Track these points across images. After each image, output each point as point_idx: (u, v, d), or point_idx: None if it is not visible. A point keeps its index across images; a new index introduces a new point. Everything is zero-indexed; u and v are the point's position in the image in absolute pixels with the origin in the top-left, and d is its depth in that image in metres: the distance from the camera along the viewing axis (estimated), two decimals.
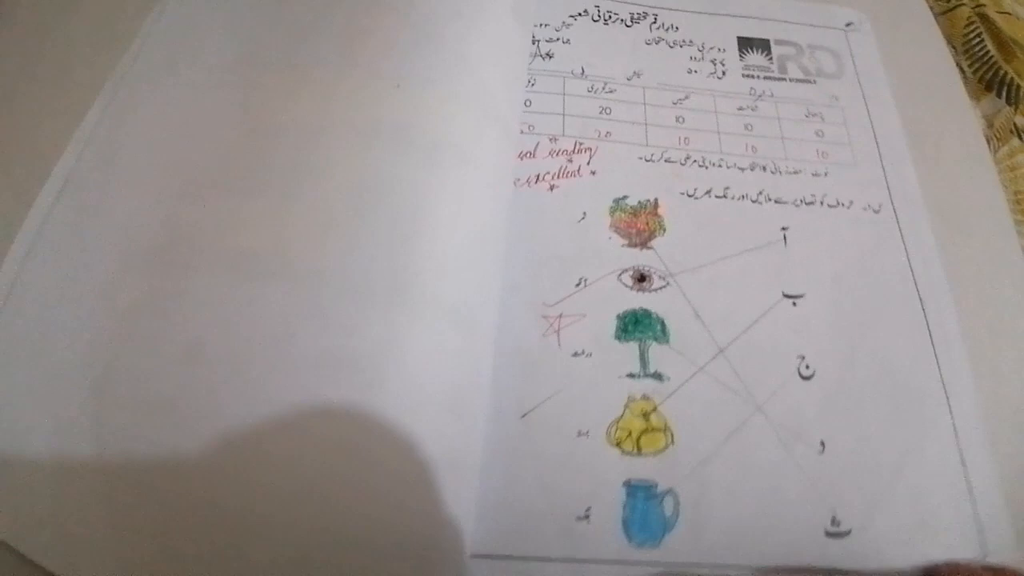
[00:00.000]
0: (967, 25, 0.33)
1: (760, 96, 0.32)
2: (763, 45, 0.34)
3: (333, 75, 0.25)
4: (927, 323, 0.27)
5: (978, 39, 0.32)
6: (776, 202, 0.29)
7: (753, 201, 0.29)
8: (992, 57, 0.32)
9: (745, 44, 0.34)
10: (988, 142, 0.30)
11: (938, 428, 0.25)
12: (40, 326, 0.21)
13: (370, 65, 0.25)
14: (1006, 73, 0.31)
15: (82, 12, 0.30)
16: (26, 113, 0.27)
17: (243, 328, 0.20)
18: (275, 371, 0.20)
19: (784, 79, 0.33)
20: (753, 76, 0.33)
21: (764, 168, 0.30)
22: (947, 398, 0.25)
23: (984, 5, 0.33)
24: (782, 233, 0.28)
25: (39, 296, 0.22)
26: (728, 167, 0.30)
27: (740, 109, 0.31)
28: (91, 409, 0.20)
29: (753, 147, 0.31)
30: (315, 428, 0.19)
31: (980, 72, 0.32)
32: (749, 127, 0.31)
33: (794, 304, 0.27)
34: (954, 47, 0.32)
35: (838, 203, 0.30)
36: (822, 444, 0.24)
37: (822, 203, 0.29)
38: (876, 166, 0.31)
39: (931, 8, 0.33)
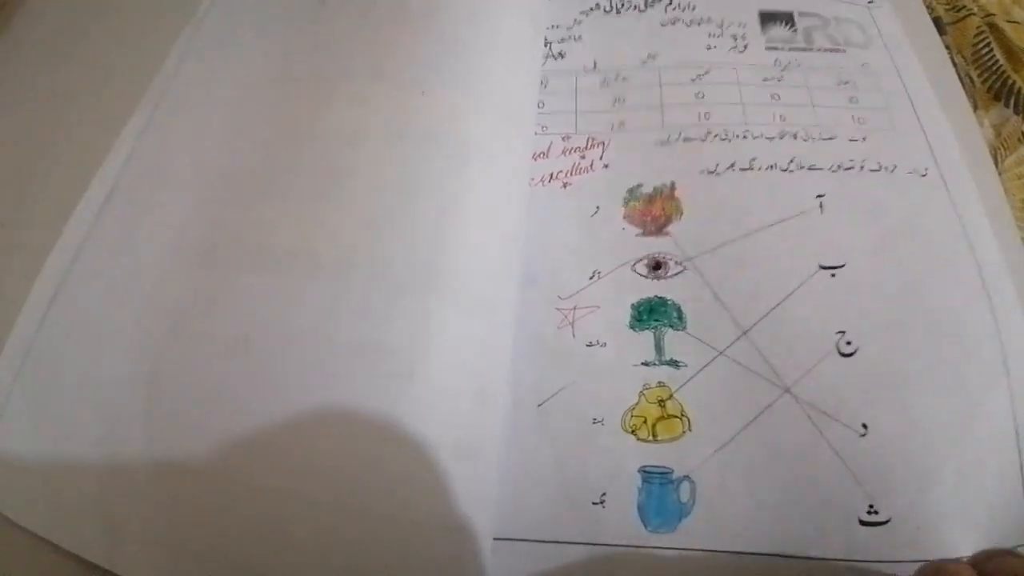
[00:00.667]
0: (976, 35, 0.32)
1: (786, 67, 0.30)
2: (787, 18, 0.32)
3: (362, 84, 0.27)
4: (985, 286, 0.25)
5: (987, 49, 0.31)
6: (810, 169, 0.28)
7: (783, 170, 0.28)
8: (1001, 66, 0.31)
9: (768, 18, 0.32)
10: (995, 151, 0.29)
11: (993, 400, 0.23)
12: (90, 325, 0.23)
13: (396, 74, 0.27)
14: (1014, 82, 0.30)
15: (114, 26, 0.31)
16: (61, 125, 0.28)
17: (286, 322, 0.22)
18: (317, 362, 0.22)
19: (811, 49, 0.31)
20: (777, 48, 0.31)
21: (795, 136, 0.29)
22: (1007, 370, 0.23)
23: (994, 15, 0.32)
24: (818, 201, 0.27)
25: (89, 296, 0.24)
26: (754, 137, 0.29)
27: (765, 80, 0.30)
28: (140, 406, 0.21)
29: (781, 116, 0.29)
30: (352, 414, 0.21)
31: (989, 81, 0.31)
32: (775, 97, 0.30)
33: (833, 275, 0.25)
34: (963, 57, 0.31)
35: (880, 167, 0.27)
36: (864, 426, 0.23)
37: (862, 168, 0.28)
38: (917, 130, 0.28)
39: (940, 18, 0.32)
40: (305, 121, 0.26)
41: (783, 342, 0.25)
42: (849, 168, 0.28)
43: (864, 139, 0.28)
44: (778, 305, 0.25)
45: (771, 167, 0.28)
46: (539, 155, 0.29)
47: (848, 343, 0.24)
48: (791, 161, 0.28)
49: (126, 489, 0.21)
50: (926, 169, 0.27)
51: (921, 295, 0.25)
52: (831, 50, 0.31)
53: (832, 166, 0.28)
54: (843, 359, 0.24)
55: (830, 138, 0.28)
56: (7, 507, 0.21)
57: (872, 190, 0.27)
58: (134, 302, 0.23)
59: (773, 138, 0.29)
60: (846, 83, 0.30)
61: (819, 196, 0.27)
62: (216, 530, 0.20)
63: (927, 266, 0.25)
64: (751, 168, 0.28)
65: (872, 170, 0.27)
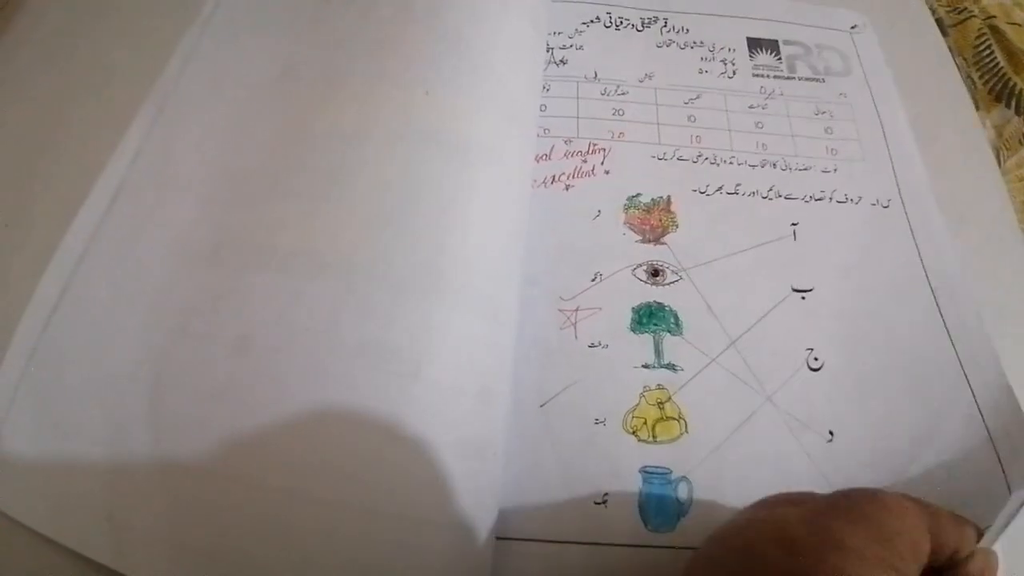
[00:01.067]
0: (978, 37, 0.33)
1: (770, 95, 0.33)
2: (772, 45, 0.35)
3: (366, 85, 0.26)
4: (939, 311, 0.27)
5: (988, 51, 0.33)
6: (786, 198, 0.30)
7: (764, 197, 0.30)
8: (1001, 68, 0.33)
9: (754, 44, 0.35)
10: (997, 152, 0.31)
11: (959, 408, 0.25)
12: (95, 325, 0.23)
13: (399, 74, 0.26)
14: (1015, 84, 0.32)
15: (118, 26, 0.31)
16: (66, 125, 0.28)
17: (289, 322, 0.22)
18: (320, 361, 0.21)
19: (793, 78, 0.34)
20: (763, 75, 0.34)
21: (774, 165, 0.31)
22: (966, 377, 0.26)
23: (994, 17, 0.34)
24: (792, 229, 0.29)
25: (94, 296, 0.23)
26: (739, 164, 0.31)
27: (751, 107, 0.32)
28: (145, 406, 0.21)
29: (763, 144, 0.31)
30: (356, 413, 0.21)
31: (990, 83, 0.33)
32: (759, 125, 0.32)
33: (803, 298, 0.28)
34: (965, 59, 0.33)
35: (847, 199, 0.30)
36: (831, 433, 0.25)
37: (831, 199, 0.30)
38: (885, 161, 0.31)
39: (942, 20, 0.34)
40: (308, 121, 0.26)
41: (763, 355, 0.26)
42: (820, 199, 0.30)
43: (835, 170, 0.31)
44: (758, 322, 0.27)
45: (753, 193, 0.30)
46: (542, 157, 0.30)
47: (816, 359, 0.26)
48: (770, 189, 0.30)
49: (131, 488, 0.20)
50: (888, 200, 0.30)
51: (879, 319, 0.27)
52: (811, 79, 0.34)
53: (805, 196, 0.30)
54: (812, 373, 0.26)
55: (805, 168, 0.31)
56: (12, 508, 0.20)
57: (839, 220, 0.30)
58: (139, 302, 0.23)
59: (755, 166, 0.31)
60: (823, 113, 0.33)
61: (793, 224, 0.29)
62: (221, 529, 0.19)
63: (885, 292, 0.28)
64: (736, 193, 0.30)
65: (839, 201, 0.30)
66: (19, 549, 0.20)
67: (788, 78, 0.34)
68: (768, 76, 0.34)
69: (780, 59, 0.34)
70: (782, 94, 0.33)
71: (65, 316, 0.23)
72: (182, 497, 0.20)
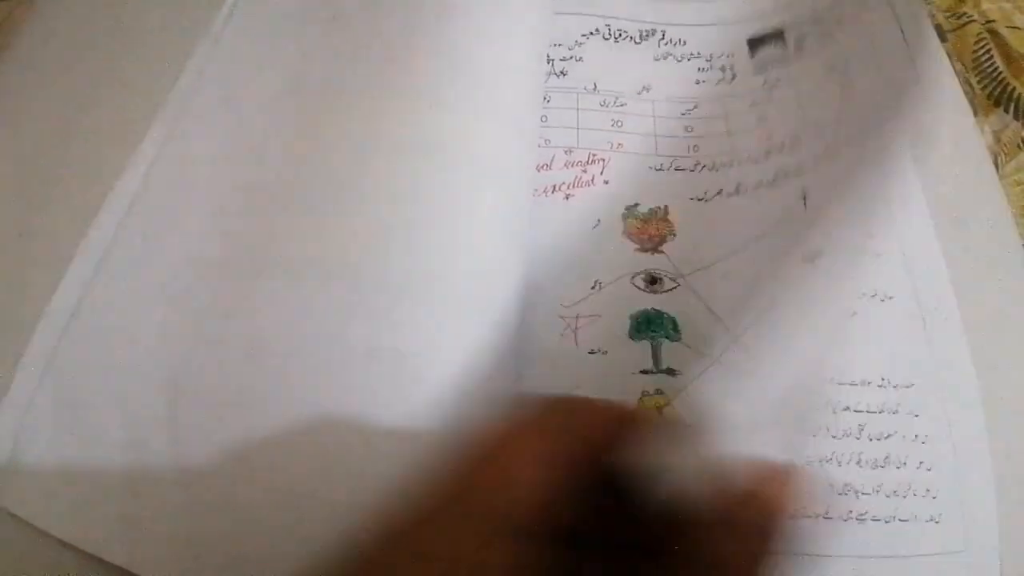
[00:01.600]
0: (977, 42, 0.33)
1: (775, 85, 0.32)
2: (776, 36, 0.33)
3: (374, 98, 0.27)
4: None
5: (987, 55, 0.33)
6: (796, 175, 0.29)
7: (770, 183, 0.30)
8: (1001, 73, 0.32)
9: (756, 43, 0.34)
10: (995, 157, 0.31)
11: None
12: (112, 333, 0.23)
13: (407, 88, 0.27)
14: (1014, 88, 0.32)
15: (129, 41, 0.31)
16: (82, 136, 0.28)
17: (300, 329, 0.23)
18: (330, 367, 0.22)
19: (801, 56, 0.32)
20: (766, 69, 0.33)
21: (781, 149, 0.30)
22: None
23: (994, 21, 0.33)
24: (802, 199, 0.28)
25: (111, 305, 0.24)
26: (740, 163, 0.31)
27: (752, 104, 0.32)
28: (162, 411, 0.22)
29: (768, 136, 0.31)
30: (365, 417, 0.21)
31: (988, 88, 0.32)
32: (763, 119, 0.31)
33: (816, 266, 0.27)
34: (963, 63, 0.33)
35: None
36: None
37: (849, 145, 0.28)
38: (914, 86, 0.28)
39: (940, 25, 0.34)
40: (317, 133, 0.27)
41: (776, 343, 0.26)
42: (835, 155, 0.29)
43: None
44: (768, 310, 0.27)
45: (757, 186, 0.30)
46: (542, 167, 0.30)
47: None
48: (776, 175, 0.30)
49: (147, 491, 0.21)
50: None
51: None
52: (823, 47, 0.32)
53: (815, 158, 0.29)
54: None
55: (819, 137, 0.30)
56: (28, 512, 0.21)
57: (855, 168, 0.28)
58: (155, 311, 0.23)
59: (759, 160, 0.30)
60: (839, 72, 0.31)
61: (803, 196, 0.29)
62: (233, 530, 0.20)
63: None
64: (737, 193, 0.30)
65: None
66: (35, 553, 0.20)
67: (796, 60, 0.32)
68: (772, 68, 0.33)
69: (786, 45, 0.33)
70: (790, 78, 0.32)
71: (82, 324, 0.24)
72: (197, 500, 0.20)
